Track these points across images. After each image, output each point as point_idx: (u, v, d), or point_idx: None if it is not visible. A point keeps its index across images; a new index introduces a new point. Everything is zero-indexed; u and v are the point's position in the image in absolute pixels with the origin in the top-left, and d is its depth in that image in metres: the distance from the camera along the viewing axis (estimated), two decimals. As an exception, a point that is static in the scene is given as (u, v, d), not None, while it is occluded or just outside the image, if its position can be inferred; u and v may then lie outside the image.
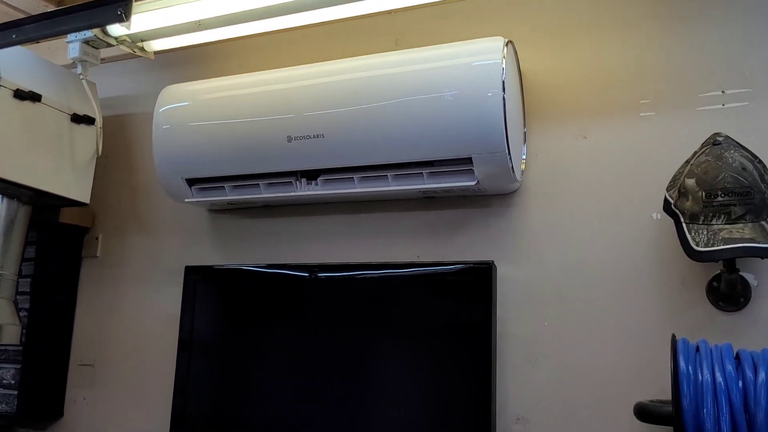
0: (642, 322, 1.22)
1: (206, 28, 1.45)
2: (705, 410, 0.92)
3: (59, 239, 1.78)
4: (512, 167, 1.25)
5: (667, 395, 1.18)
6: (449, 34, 1.48)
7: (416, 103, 1.26)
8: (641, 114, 1.29)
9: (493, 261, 1.28)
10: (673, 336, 1.03)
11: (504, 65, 1.22)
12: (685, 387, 0.94)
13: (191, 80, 1.56)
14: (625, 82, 1.31)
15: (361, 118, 1.30)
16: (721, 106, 1.23)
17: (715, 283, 1.18)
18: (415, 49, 1.31)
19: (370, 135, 1.30)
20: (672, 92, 1.27)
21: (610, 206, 1.28)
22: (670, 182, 1.17)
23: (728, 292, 1.14)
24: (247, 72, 1.51)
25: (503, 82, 1.21)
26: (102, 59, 1.61)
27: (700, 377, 0.95)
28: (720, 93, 1.23)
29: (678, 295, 1.21)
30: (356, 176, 1.38)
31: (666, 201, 1.15)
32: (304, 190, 1.43)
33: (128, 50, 1.55)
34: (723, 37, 1.25)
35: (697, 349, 0.99)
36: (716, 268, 1.18)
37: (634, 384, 1.21)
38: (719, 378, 0.93)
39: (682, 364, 0.96)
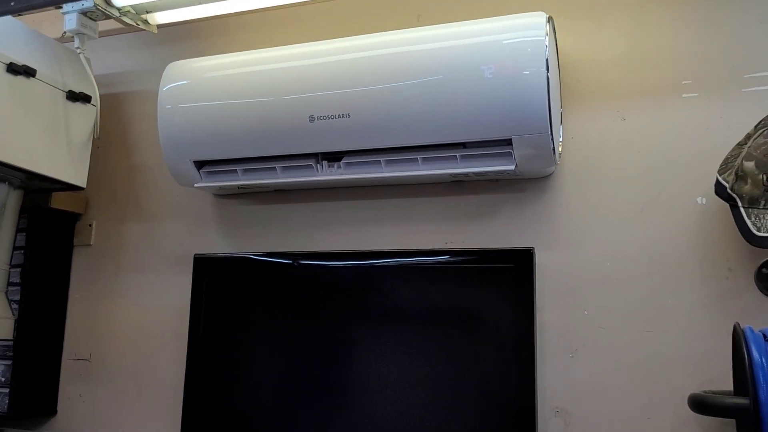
0: (686, 311, 1.18)
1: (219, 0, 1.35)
2: (783, 402, 0.88)
3: (50, 226, 1.66)
4: (554, 149, 1.19)
5: (716, 386, 1.15)
6: (474, 10, 1.41)
7: (453, 81, 1.19)
8: (683, 95, 1.24)
9: (533, 247, 1.22)
10: (737, 324, 0.99)
11: (547, 42, 1.16)
12: (761, 378, 0.90)
13: (195, 57, 1.46)
14: (667, 61, 1.26)
15: (393, 96, 1.23)
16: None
17: (764, 270, 1.15)
18: (451, 24, 1.24)
19: (402, 115, 1.23)
20: (716, 73, 1.23)
21: (651, 191, 1.24)
22: (722, 165, 1.13)
23: (784, 279, 1.10)
24: (258, 48, 1.42)
25: (547, 59, 1.15)
26: (96, 33, 1.50)
27: (774, 368, 0.90)
28: (767, 74, 1.19)
29: (725, 282, 1.17)
30: (383, 159, 1.30)
31: (719, 184, 1.11)
32: (326, 174, 1.35)
33: (130, 23, 1.44)
34: (771, 15, 1.21)
35: (765, 338, 0.95)
36: (766, 255, 1.15)
37: (680, 374, 1.17)
38: (795, 368, 0.89)
39: (755, 353, 0.92)
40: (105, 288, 1.66)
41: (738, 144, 1.12)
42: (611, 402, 1.20)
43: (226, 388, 1.40)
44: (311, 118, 1.29)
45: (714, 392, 1.09)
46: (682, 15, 1.26)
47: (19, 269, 1.59)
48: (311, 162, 1.35)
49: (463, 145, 1.25)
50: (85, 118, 1.54)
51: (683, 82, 1.24)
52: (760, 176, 1.04)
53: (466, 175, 1.29)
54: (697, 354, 1.17)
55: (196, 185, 1.43)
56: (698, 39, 1.24)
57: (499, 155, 1.23)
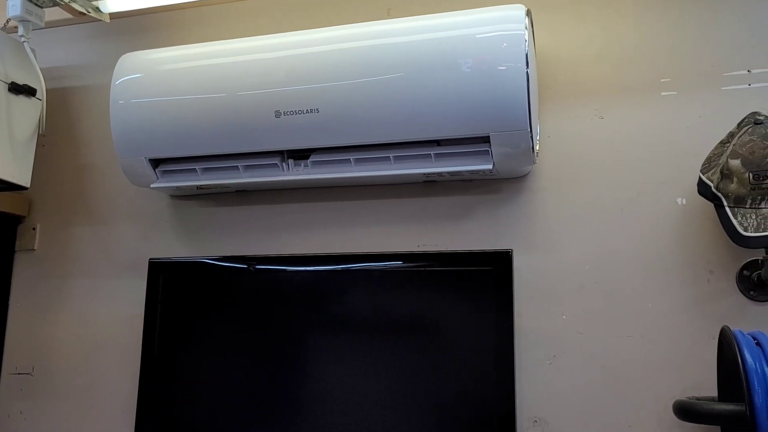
0: (667, 314, 1.15)
1: (179, -14, 1.27)
2: (780, 408, 0.84)
3: (-11, 229, 1.54)
4: (532, 147, 1.15)
5: (699, 391, 1.12)
6: (444, 5, 1.36)
7: (428, 74, 1.13)
8: (662, 93, 1.21)
9: (512, 249, 1.17)
10: (727, 327, 0.96)
11: (527, 36, 1.11)
12: (756, 383, 0.86)
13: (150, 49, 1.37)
14: (645, 59, 1.23)
15: (365, 91, 1.16)
16: (747, 86, 1.17)
17: (746, 272, 1.12)
18: (427, 16, 1.18)
19: (375, 110, 1.16)
20: (695, 71, 1.20)
21: (630, 191, 1.20)
22: (705, 164, 1.10)
23: (768, 281, 1.08)
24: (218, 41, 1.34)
25: (527, 54, 1.10)
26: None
27: (768, 372, 0.87)
28: (746, 72, 1.18)
29: (705, 285, 1.14)
30: (353, 157, 1.24)
31: (703, 184, 1.08)
32: (292, 173, 1.28)
33: (81, 9, 1.34)
34: (749, 13, 1.19)
35: (757, 342, 0.92)
36: (748, 256, 1.12)
37: (661, 380, 1.13)
38: (790, 373, 0.86)
39: (748, 358, 0.88)
40: (50, 296, 1.54)
41: (720, 142, 1.10)
42: (591, 410, 1.16)
43: (183, 401, 1.30)
44: (277, 114, 1.21)
45: (698, 398, 1.06)
46: (660, 12, 1.23)
47: (-46, 276, 1.47)
48: (276, 160, 1.28)
49: (437, 143, 1.20)
50: (29, 112, 1.42)
51: (662, 80, 1.22)
52: (747, 174, 1.01)
53: (440, 174, 1.24)
54: (678, 359, 1.13)
55: (152, 185, 1.34)
56: (677, 37, 1.22)
57: (476, 153, 1.17)
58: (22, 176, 1.41)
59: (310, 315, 1.26)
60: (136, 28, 1.57)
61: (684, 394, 1.11)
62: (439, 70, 1.13)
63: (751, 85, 1.17)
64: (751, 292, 1.11)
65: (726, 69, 1.19)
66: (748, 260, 1.12)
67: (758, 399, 0.85)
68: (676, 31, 1.22)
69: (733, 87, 1.18)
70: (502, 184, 1.27)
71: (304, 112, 1.20)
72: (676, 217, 1.17)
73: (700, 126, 1.18)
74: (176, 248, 1.46)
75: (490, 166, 1.16)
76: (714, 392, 1.09)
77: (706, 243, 1.15)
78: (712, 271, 1.14)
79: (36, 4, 1.34)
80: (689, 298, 1.14)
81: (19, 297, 1.57)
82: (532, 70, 1.15)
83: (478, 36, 1.12)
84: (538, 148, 1.25)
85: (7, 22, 1.42)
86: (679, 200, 1.18)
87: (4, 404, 1.53)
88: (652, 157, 1.20)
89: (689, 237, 1.16)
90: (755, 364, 0.87)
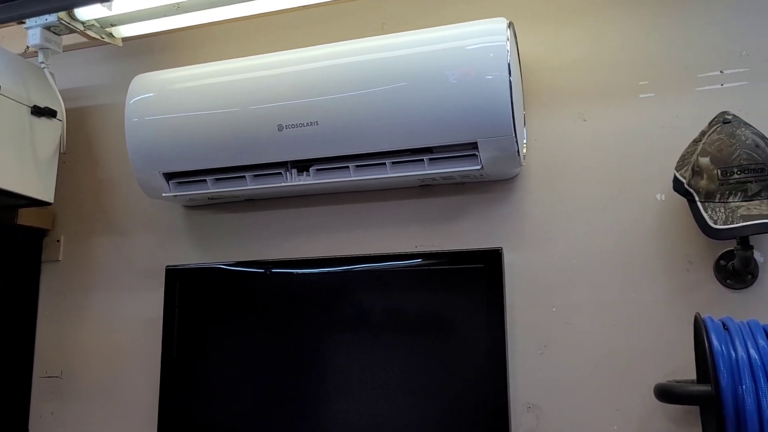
0: (650, 304, 1.22)
1: (185, 11, 1.36)
2: (743, 387, 0.91)
3: (17, 243, 1.65)
4: (518, 151, 1.22)
5: (681, 375, 1.19)
6: (438, 18, 1.44)
7: (418, 86, 1.21)
8: (640, 95, 1.29)
9: (501, 247, 1.25)
10: (698, 315, 1.03)
11: (509, 47, 1.19)
12: (721, 365, 0.93)
13: (162, 69, 1.47)
14: (624, 63, 1.30)
15: (361, 103, 1.25)
16: (720, 86, 1.24)
17: (722, 262, 1.19)
18: (415, 31, 1.26)
19: (370, 121, 1.25)
20: (671, 73, 1.27)
21: (613, 189, 1.28)
22: (679, 162, 1.17)
23: (741, 269, 1.14)
24: (223, 60, 1.43)
25: (509, 64, 1.18)
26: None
27: (734, 354, 0.94)
28: (719, 73, 1.24)
29: (685, 275, 1.21)
30: (351, 165, 1.32)
31: (677, 180, 1.15)
32: (295, 181, 1.37)
33: (95, 36, 1.44)
34: (721, 16, 1.26)
35: (725, 326, 0.99)
36: (723, 247, 1.19)
37: (646, 366, 1.20)
38: (753, 354, 0.93)
39: (715, 342, 0.95)
40: (75, 304, 1.65)
41: (693, 141, 1.17)
42: (581, 395, 1.23)
43: (202, 402, 1.40)
44: (280, 127, 1.30)
45: (678, 381, 1.13)
46: (638, 19, 1.31)
47: (-14, 287, 1.57)
48: (281, 170, 1.36)
49: (430, 150, 1.28)
50: (50, 132, 1.53)
51: (640, 83, 1.29)
52: (715, 171, 1.08)
53: (433, 178, 1.32)
54: (661, 345, 1.20)
55: (164, 195, 1.43)
56: (654, 41, 1.29)
57: (465, 158, 1.25)
58: (45, 192, 1.51)
59: (319, 313, 1.35)
60: (147, 50, 1.67)
61: (666, 378, 1.19)
62: (428, 81, 1.21)
63: (724, 85, 1.24)
64: (728, 281, 1.18)
65: (700, 70, 1.25)
66: (724, 251, 1.19)
67: (723, 379, 0.92)
68: (653, 36, 1.29)
69: (706, 87, 1.25)
70: (493, 186, 1.35)
71: (305, 125, 1.29)
72: (656, 212, 1.24)
73: (677, 125, 1.25)
74: (191, 255, 1.56)
75: (478, 168, 1.24)
76: (694, 376, 1.16)
77: (685, 235, 1.22)
78: (691, 261, 1.21)
79: (54, 33, 1.44)
80: (670, 288, 1.22)
81: (46, 305, 1.68)
82: (515, 79, 1.22)
83: (462, 48, 1.20)
84: (525, 151, 1.32)
85: (27, 49, 1.52)
86: (658, 196, 1.25)
87: (36, 405, 1.64)
88: (633, 156, 1.27)
89: (669, 230, 1.23)
90: (721, 347, 0.95)
